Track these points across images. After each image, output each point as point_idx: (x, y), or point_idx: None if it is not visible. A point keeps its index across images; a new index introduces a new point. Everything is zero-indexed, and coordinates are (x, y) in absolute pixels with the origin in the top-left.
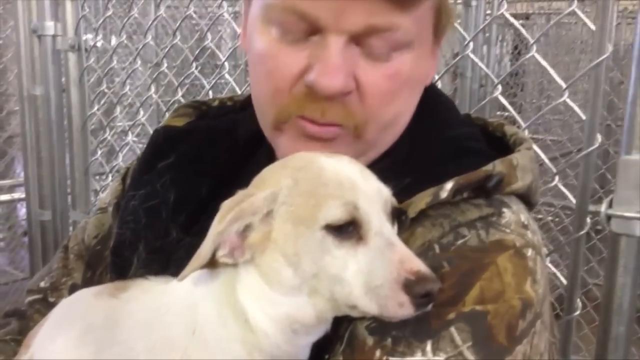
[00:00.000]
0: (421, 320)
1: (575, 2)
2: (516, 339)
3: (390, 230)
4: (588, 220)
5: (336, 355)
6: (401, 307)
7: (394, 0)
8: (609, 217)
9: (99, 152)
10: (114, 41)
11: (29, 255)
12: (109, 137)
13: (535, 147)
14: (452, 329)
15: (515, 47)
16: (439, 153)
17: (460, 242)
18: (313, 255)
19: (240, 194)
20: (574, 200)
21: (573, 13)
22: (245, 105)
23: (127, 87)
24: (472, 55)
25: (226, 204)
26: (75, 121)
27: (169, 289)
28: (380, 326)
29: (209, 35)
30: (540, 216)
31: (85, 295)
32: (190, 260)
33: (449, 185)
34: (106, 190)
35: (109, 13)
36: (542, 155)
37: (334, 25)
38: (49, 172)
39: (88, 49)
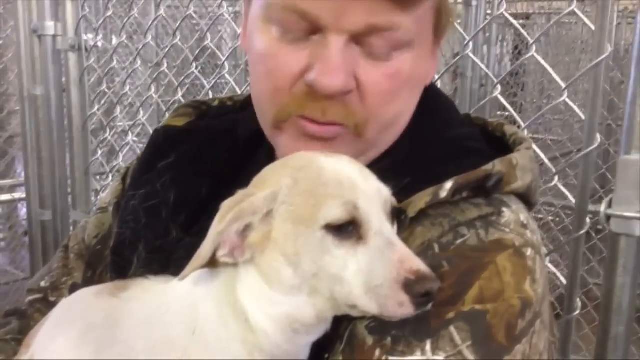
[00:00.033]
0: (421, 319)
1: (575, 2)
2: (515, 339)
3: (390, 230)
4: (588, 220)
5: (336, 355)
6: (401, 307)
7: None
8: (608, 217)
9: (100, 152)
10: (114, 41)
11: (30, 255)
12: (109, 137)
13: (535, 147)
14: (452, 329)
15: (516, 47)
16: (438, 153)
17: (459, 241)
18: (313, 254)
19: (240, 193)
20: (573, 200)
21: (573, 13)
22: (245, 105)
23: (128, 87)
24: (471, 55)
25: (226, 204)
26: (75, 121)
27: (169, 288)
28: (380, 325)
29: (209, 35)
30: (540, 216)
31: (86, 294)
32: (190, 260)
33: (448, 185)
34: (106, 190)
35: (109, 13)
36: (542, 155)
37: (335, 25)
38: (49, 172)
39: (88, 49)
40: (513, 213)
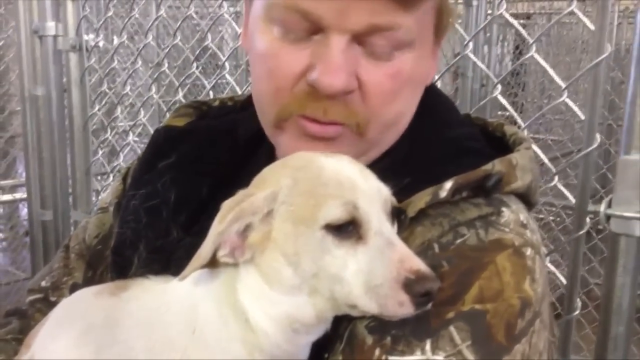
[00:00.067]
0: (420, 319)
1: (575, 2)
2: (515, 338)
3: (389, 230)
4: (588, 220)
5: (336, 354)
6: (401, 306)
7: None
8: (608, 217)
9: (100, 152)
10: (115, 41)
11: (30, 255)
12: (110, 137)
13: (535, 147)
14: (452, 328)
15: (517, 47)
16: (438, 153)
17: (459, 241)
18: (313, 254)
19: (240, 193)
20: (573, 200)
21: (573, 13)
22: (245, 105)
23: (128, 87)
24: (471, 56)
25: (226, 204)
26: (76, 121)
27: (170, 288)
28: (380, 325)
29: (210, 36)
30: (541, 216)
31: (86, 294)
32: (190, 260)
33: (448, 185)
34: (107, 190)
35: (110, 13)
36: (542, 156)
37: (337, 25)
38: (50, 172)
39: (89, 49)
40: (513, 213)
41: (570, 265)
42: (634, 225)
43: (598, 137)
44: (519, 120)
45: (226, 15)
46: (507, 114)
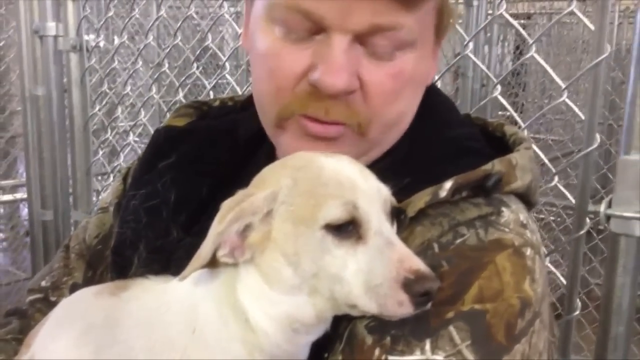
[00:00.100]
0: (420, 319)
1: (575, 2)
2: (515, 338)
3: (389, 230)
4: (588, 220)
5: (336, 354)
6: (400, 306)
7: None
8: (608, 217)
9: (101, 152)
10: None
11: (31, 255)
12: (110, 138)
13: (536, 147)
14: (451, 328)
15: (517, 47)
16: (438, 153)
17: (459, 241)
18: (313, 254)
19: (240, 193)
20: (573, 200)
21: (573, 13)
22: (246, 106)
23: (129, 88)
24: (471, 56)
25: (226, 204)
26: (77, 121)
27: (169, 288)
28: (380, 325)
29: (210, 36)
30: (542, 216)
31: (86, 294)
32: (190, 260)
33: (448, 185)
34: (107, 190)
35: (111, 13)
36: (542, 156)
37: (339, 25)
38: (50, 172)
39: (90, 49)
40: (512, 213)
41: (570, 265)
42: (633, 225)
43: (598, 137)
44: (519, 120)
45: (226, 16)
46: (508, 114)
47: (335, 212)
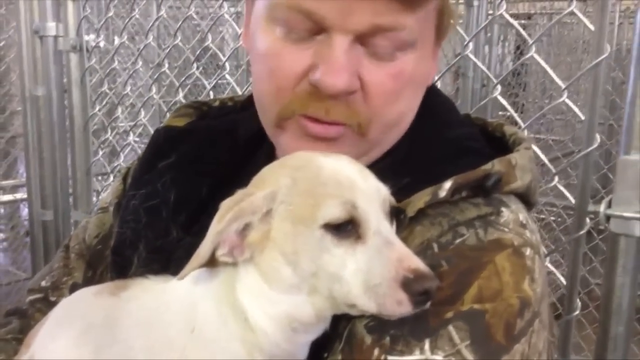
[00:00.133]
0: (419, 318)
1: (574, 2)
2: (514, 338)
3: (388, 229)
4: (588, 220)
5: (335, 354)
6: (399, 305)
7: (400, 0)
8: (608, 217)
9: (101, 152)
10: (116, 42)
11: (31, 255)
12: (110, 138)
13: (536, 147)
14: (450, 328)
15: (518, 47)
16: (438, 153)
17: (458, 241)
18: (312, 253)
19: (239, 193)
20: (573, 200)
21: (573, 13)
22: (245, 106)
23: (129, 88)
24: (471, 56)
25: (225, 204)
26: (77, 122)
27: (169, 288)
28: (379, 325)
29: (210, 36)
30: (542, 216)
31: (86, 294)
32: (190, 259)
33: (447, 185)
34: (107, 190)
35: (111, 14)
36: (542, 156)
37: (340, 25)
38: (50, 172)
39: (90, 49)
40: (512, 213)
41: (570, 265)
42: (633, 225)
43: (598, 137)
44: (519, 121)
45: (226, 16)
46: (508, 114)
47: (334, 212)
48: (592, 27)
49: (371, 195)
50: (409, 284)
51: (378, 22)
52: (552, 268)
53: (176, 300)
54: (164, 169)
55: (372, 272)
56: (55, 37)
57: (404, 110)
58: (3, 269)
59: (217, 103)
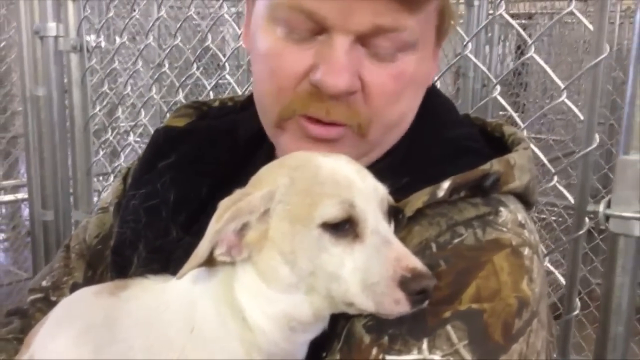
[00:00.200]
0: (418, 318)
1: (574, 2)
2: (512, 338)
3: (386, 228)
4: (587, 220)
5: (333, 353)
6: (397, 304)
7: (402, 1)
8: (607, 217)
9: (101, 152)
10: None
11: (32, 255)
12: (111, 138)
13: (537, 147)
14: (448, 327)
15: (519, 47)
16: (437, 153)
17: (457, 240)
18: (310, 253)
19: (237, 192)
20: (573, 200)
21: (573, 13)
22: (245, 106)
23: (129, 88)
24: (470, 56)
25: (223, 203)
26: (77, 122)
27: (168, 287)
28: (377, 324)
29: (210, 36)
30: (543, 216)
31: (86, 294)
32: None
33: (446, 184)
34: (108, 190)
35: (111, 14)
36: (541, 156)
37: (341, 25)
38: (51, 172)
39: (90, 49)
40: (510, 213)
41: (570, 265)
42: (632, 225)
43: (597, 137)
44: (518, 121)
45: (227, 16)
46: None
47: (331, 211)
48: (591, 27)
49: (369, 194)
50: (407, 283)
51: (379, 23)
52: (551, 268)
53: (175, 299)
54: (163, 169)
55: (370, 271)
56: (56, 38)
57: (404, 111)
58: (4, 269)
59: (217, 103)
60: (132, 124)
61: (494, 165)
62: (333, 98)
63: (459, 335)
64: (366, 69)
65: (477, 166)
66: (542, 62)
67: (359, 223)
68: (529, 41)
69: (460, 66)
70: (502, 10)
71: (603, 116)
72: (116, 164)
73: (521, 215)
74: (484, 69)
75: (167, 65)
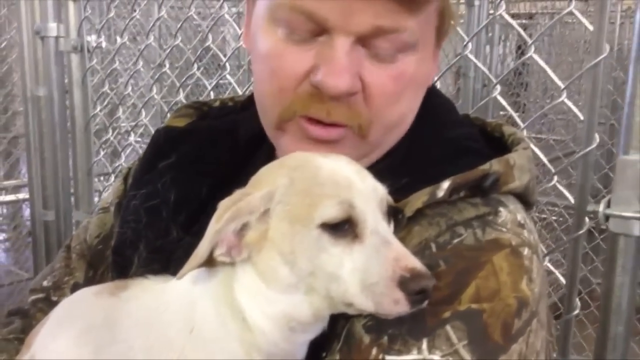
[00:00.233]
0: (417, 318)
1: (574, 2)
2: (512, 338)
3: (385, 229)
4: (587, 220)
5: (333, 354)
6: (396, 304)
7: (402, 2)
8: (607, 217)
9: (102, 152)
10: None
11: (33, 255)
12: (111, 138)
13: (537, 147)
14: (448, 328)
15: (519, 47)
16: (437, 153)
17: (456, 240)
18: (309, 253)
19: (237, 193)
20: (573, 200)
21: (573, 13)
22: (246, 106)
23: (130, 88)
24: (470, 56)
25: (223, 203)
26: (78, 122)
27: (168, 287)
28: (377, 324)
29: (210, 36)
30: (544, 216)
31: (86, 294)
32: (188, 259)
33: (445, 184)
34: (108, 190)
35: (112, 14)
36: (541, 156)
37: (342, 26)
38: (52, 172)
39: (91, 50)
40: (510, 213)
41: (570, 264)
42: (632, 225)
43: (597, 137)
44: (518, 121)
45: (227, 16)
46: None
47: (331, 211)
48: (591, 27)
49: (369, 194)
50: (406, 283)
51: (379, 24)
52: (552, 268)
53: (175, 300)
54: (164, 169)
55: (369, 271)
56: (57, 38)
57: (404, 112)
58: (5, 269)
59: (217, 103)
60: (133, 124)
61: (494, 166)
62: (334, 99)
63: (458, 335)
64: (366, 70)
65: (477, 166)
66: (542, 62)
67: (358, 223)
68: (529, 41)
69: (460, 66)
70: (502, 10)
71: (603, 116)
72: (117, 164)
73: (521, 216)
74: (484, 69)
75: (167, 66)
